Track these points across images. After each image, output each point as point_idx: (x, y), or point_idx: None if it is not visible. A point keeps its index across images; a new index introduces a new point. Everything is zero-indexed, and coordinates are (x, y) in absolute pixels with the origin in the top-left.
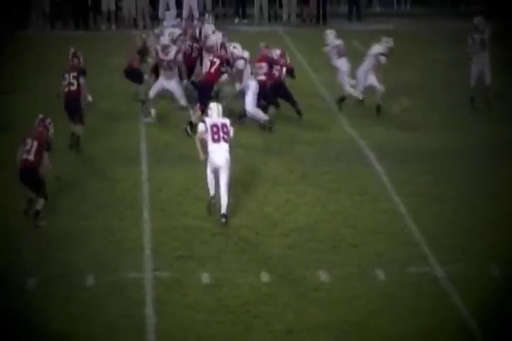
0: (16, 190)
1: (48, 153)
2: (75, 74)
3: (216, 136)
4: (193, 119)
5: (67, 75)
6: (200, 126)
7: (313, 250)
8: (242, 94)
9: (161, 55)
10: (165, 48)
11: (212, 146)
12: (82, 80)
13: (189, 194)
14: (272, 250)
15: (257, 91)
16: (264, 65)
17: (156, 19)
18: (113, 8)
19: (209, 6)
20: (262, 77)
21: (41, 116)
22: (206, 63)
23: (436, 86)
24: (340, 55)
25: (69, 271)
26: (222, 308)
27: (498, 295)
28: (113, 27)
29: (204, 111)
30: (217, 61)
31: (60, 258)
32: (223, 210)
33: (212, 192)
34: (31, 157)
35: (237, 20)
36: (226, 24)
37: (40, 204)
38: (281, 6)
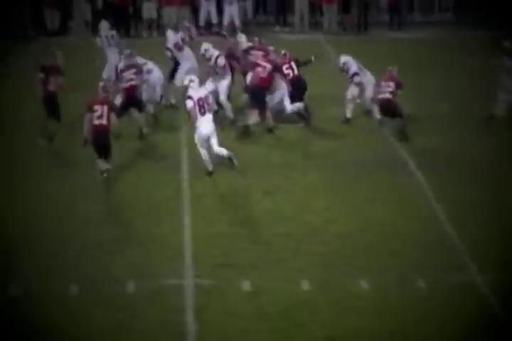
0: (58, 198)
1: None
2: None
3: (202, 109)
4: (251, 122)
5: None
6: (189, 102)
7: (352, 258)
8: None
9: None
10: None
11: (200, 119)
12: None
13: (229, 201)
14: (312, 258)
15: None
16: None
17: (197, 26)
18: (154, 15)
19: (250, 14)
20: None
21: (102, 83)
22: (257, 68)
23: (475, 94)
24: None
25: (109, 277)
26: (263, 316)
27: None
28: (154, 34)
29: (263, 115)
30: (269, 66)
31: (101, 265)
32: (226, 155)
33: (210, 167)
34: (104, 121)
35: (278, 28)
36: (267, 32)
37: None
38: (322, 13)
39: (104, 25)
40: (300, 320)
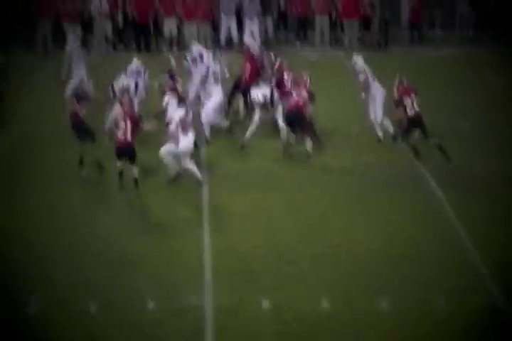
0: (81, 216)
1: None
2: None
3: (184, 129)
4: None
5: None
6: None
7: (374, 276)
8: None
9: None
10: None
11: (180, 138)
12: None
13: (250, 219)
14: (333, 277)
15: None
16: None
17: (217, 43)
18: (175, 32)
19: (271, 31)
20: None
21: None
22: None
23: (495, 110)
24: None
25: (130, 296)
26: (284, 334)
27: None
28: (175, 49)
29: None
30: (307, 94)
31: (122, 283)
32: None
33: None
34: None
35: (298, 44)
36: (288, 48)
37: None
38: (342, 30)
39: (71, 38)
40: (321, 339)
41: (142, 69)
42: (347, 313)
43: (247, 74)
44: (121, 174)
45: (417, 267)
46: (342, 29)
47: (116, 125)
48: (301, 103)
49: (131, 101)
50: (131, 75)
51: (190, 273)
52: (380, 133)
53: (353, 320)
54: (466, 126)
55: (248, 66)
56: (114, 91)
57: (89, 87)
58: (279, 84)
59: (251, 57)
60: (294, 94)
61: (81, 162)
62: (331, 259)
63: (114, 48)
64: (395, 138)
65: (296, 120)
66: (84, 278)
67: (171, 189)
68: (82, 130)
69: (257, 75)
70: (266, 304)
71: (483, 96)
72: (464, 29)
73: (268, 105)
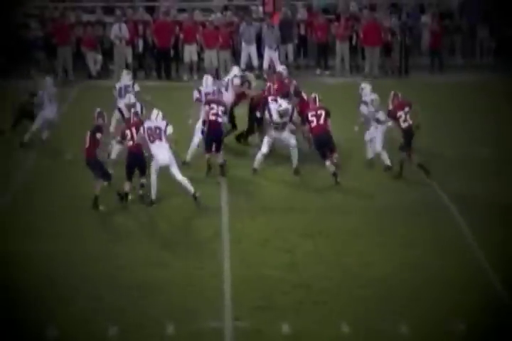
0: (98, 240)
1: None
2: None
3: (151, 138)
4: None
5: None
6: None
7: (393, 302)
8: None
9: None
10: None
11: (152, 147)
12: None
13: (269, 244)
14: (352, 301)
15: None
16: None
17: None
18: (195, 58)
19: (291, 57)
20: None
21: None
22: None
23: None
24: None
25: (149, 320)
26: None
27: None
28: (195, 77)
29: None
30: (323, 112)
31: (140, 307)
32: (191, 191)
33: (154, 196)
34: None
35: (318, 71)
36: (308, 75)
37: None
38: (363, 57)
39: (48, 82)
40: None
41: (131, 83)
42: (366, 337)
43: (272, 90)
44: (126, 195)
45: (437, 292)
46: (363, 56)
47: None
48: (324, 122)
49: (137, 114)
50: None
51: (209, 297)
52: (387, 162)
53: None
54: (485, 152)
55: (276, 87)
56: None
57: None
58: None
59: (280, 83)
60: (315, 113)
61: (95, 202)
62: (351, 283)
63: (135, 75)
64: (388, 169)
65: (326, 141)
66: (103, 303)
67: (190, 214)
68: (97, 167)
69: (282, 95)
70: (286, 328)
71: (503, 123)
72: (484, 55)
73: (284, 122)
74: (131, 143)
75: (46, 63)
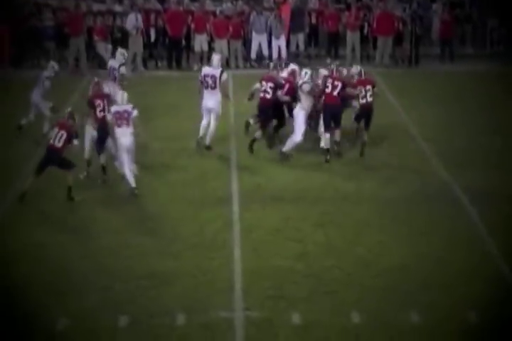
0: (110, 231)
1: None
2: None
3: (119, 121)
4: (337, 138)
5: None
6: (108, 115)
7: (405, 291)
8: None
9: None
10: None
11: (117, 130)
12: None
13: (280, 234)
14: (363, 291)
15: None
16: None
17: (248, 59)
18: (206, 48)
19: (301, 47)
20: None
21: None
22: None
23: None
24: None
25: (160, 310)
26: None
27: None
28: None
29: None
30: (340, 84)
31: (151, 298)
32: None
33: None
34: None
35: (329, 60)
36: (318, 65)
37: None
38: (374, 47)
39: (51, 66)
40: None
41: (117, 65)
42: (377, 327)
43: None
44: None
45: (448, 281)
46: (374, 45)
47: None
48: (338, 94)
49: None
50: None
51: (219, 287)
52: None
53: (384, 335)
54: (497, 142)
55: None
56: None
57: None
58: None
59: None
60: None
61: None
62: (362, 273)
63: (145, 65)
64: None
65: (334, 113)
66: (114, 294)
67: (201, 205)
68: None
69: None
70: (296, 318)
71: None
72: (495, 45)
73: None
74: (102, 113)
75: (56, 53)
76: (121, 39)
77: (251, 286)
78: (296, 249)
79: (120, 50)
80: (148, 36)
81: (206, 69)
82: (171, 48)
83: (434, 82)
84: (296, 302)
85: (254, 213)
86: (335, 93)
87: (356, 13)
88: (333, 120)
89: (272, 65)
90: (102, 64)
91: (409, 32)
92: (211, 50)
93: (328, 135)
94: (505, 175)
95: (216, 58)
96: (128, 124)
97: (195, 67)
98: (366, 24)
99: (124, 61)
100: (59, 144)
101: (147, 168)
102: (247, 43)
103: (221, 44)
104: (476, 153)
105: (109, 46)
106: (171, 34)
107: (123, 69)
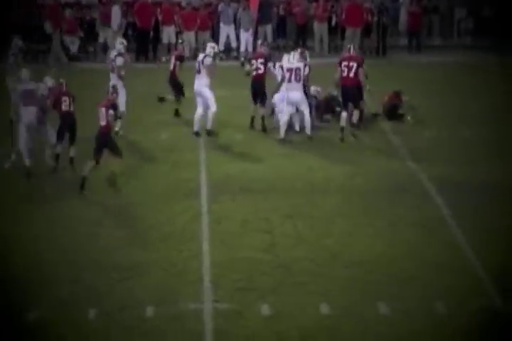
0: (79, 223)
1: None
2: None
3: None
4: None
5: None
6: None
7: (374, 282)
8: None
9: None
10: None
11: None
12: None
13: (249, 226)
14: (333, 282)
15: None
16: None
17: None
18: (173, 40)
19: (270, 38)
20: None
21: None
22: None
23: (496, 118)
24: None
25: (129, 302)
26: (283, 340)
27: None
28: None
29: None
30: (355, 64)
31: (121, 290)
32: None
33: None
34: (104, 122)
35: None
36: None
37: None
38: (342, 38)
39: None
40: None
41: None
42: (347, 319)
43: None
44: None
45: (417, 272)
46: (342, 37)
47: None
48: (355, 75)
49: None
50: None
51: (189, 279)
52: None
53: (353, 326)
54: (466, 134)
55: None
56: None
57: None
58: None
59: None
60: None
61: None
62: (331, 264)
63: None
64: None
65: (350, 94)
66: (84, 286)
67: (169, 197)
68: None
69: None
70: (265, 310)
71: (483, 104)
72: (462, 36)
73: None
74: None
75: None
76: (88, 32)
77: (220, 278)
78: (266, 241)
79: (119, 40)
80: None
81: (198, 56)
82: (139, 40)
83: (401, 73)
84: (265, 293)
85: (224, 205)
86: (351, 74)
87: (324, 5)
88: (350, 101)
89: (244, 62)
90: (69, 56)
91: (376, 23)
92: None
93: (344, 114)
94: (473, 165)
95: (209, 46)
96: (35, 104)
97: (163, 59)
98: (334, 15)
99: (122, 51)
100: (103, 122)
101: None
102: (215, 35)
103: (189, 36)
104: (442, 143)
105: (76, 38)
106: (140, 26)
107: (119, 60)
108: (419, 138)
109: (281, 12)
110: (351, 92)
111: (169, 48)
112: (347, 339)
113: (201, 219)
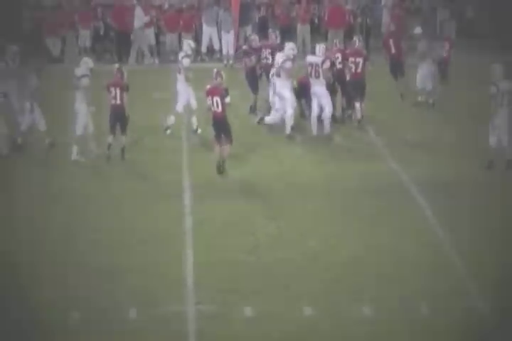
0: (59, 225)
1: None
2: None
3: None
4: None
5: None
6: None
7: (356, 283)
8: None
9: None
10: None
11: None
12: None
13: (232, 227)
14: (315, 284)
15: None
16: None
17: (199, 53)
18: (153, 42)
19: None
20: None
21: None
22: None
23: (478, 118)
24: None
25: (111, 305)
26: None
27: None
28: (156, 61)
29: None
30: (361, 60)
31: (103, 293)
32: None
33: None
34: (119, 101)
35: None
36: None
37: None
38: (326, 39)
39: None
40: None
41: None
42: (329, 320)
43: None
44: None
45: (399, 273)
46: (326, 38)
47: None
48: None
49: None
50: None
51: (171, 281)
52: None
53: (336, 328)
54: (446, 133)
55: None
56: None
57: None
58: None
59: None
60: None
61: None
62: (314, 266)
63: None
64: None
65: (358, 87)
66: (65, 289)
67: (151, 198)
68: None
69: None
70: (248, 311)
71: (464, 104)
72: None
73: None
74: (114, 101)
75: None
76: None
77: (203, 280)
78: (249, 242)
79: (186, 41)
80: (96, 30)
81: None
82: (118, 43)
83: (383, 74)
84: (248, 295)
85: (207, 206)
86: (358, 70)
87: (306, 6)
88: (358, 93)
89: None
90: (51, 58)
91: (359, 24)
92: (159, 44)
93: (358, 104)
94: (454, 165)
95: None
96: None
97: (146, 61)
98: (316, 17)
99: (189, 52)
100: (218, 110)
101: (101, 161)
102: (198, 37)
103: (172, 38)
104: (424, 144)
105: (58, 41)
106: (118, 28)
107: (186, 61)
108: (399, 139)
109: (263, 13)
110: (359, 86)
111: (151, 50)
112: (329, 340)
113: (184, 221)
